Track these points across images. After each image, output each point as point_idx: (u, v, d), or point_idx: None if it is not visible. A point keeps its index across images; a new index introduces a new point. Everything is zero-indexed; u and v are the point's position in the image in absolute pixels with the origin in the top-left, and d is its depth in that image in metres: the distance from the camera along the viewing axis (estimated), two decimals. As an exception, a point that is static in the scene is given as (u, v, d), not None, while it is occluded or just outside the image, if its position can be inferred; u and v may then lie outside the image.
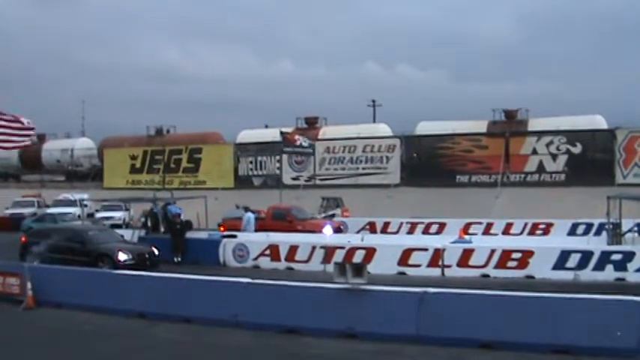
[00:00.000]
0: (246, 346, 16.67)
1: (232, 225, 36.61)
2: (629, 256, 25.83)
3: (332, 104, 74.87)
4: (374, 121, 71.47)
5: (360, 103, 77.21)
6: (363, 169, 56.38)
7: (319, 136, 58.73)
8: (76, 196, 52.50)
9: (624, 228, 30.37)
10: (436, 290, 16.99)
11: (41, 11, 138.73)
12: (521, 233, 37.95)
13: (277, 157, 57.77)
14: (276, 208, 39.97)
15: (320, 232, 32.68)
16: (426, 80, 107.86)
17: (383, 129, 60.17)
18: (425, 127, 56.72)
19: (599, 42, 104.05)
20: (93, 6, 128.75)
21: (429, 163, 54.59)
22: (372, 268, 21.84)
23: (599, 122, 53.28)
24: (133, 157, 67.13)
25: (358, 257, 27.68)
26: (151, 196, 39.01)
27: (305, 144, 46.30)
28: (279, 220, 38.03)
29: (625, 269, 25.63)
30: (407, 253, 28.12)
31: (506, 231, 38.18)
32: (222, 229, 36.02)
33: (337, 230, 35.43)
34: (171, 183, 61.67)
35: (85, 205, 44.08)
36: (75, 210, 48.52)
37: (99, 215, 49.04)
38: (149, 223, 36.11)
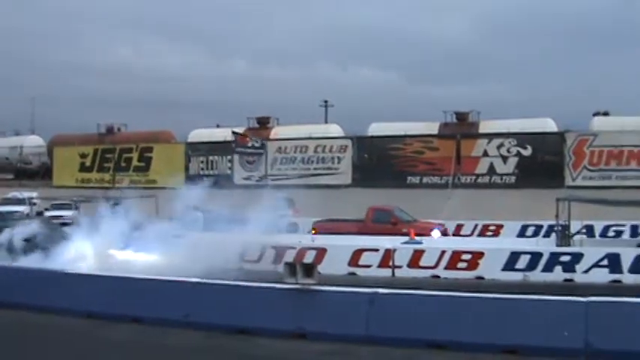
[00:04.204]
0: (197, 346, 16.54)
1: None
2: (577, 257, 26.14)
3: (285, 104, 74.96)
4: (326, 122, 71.53)
5: (312, 104, 77.05)
6: (315, 169, 56.47)
7: (271, 136, 58.79)
8: (25, 194, 51.85)
9: (573, 230, 30.66)
10: (386, 291, 17.00)
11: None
12: (472, 234, 38.24)
13: (229, 157, 57.69)
14: (377, 210, 38.18)
15: (428, 235, 33.09)
16: (380, 81, 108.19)
17: (335, 129, 60.32)
18: (377, 128, 56.93)
19: (551, 45, 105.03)
20: (43, 2, 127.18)
21: (380, 164, 54.78)
22: (322, 268, 21.84)
23: (550, 125, 53.92)
24: (83, 156, 66.58)
25: (309, 257, 27.63)
26: (100, 195, 38.58)
27: (256, 144, 46.22)
28: (381, 223, 36.25)
29: (573, 270, 25.93)
30: (357, 254, 28.11)
31: (456, 232, 38.45)
32: None
33: None
34: (122, 182, 61.24)
35: (34, 204, 43.56)
36: (23, 208, 47.90)
37: (48, 214, 48.49)
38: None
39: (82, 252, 25.29)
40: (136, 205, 31.22)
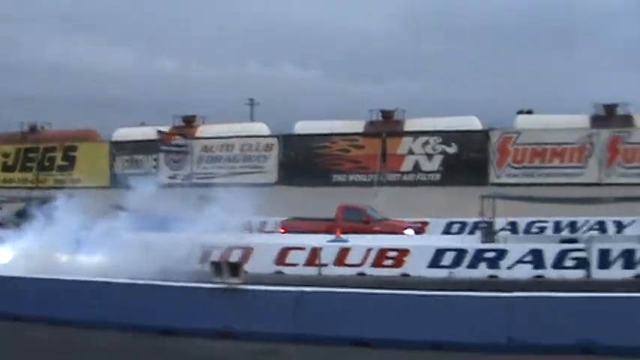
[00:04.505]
0: (122, 347, 16.38)
1: None
2: (501, 254, 26.61)
3: (211, 103, 74.06)
4: (252, 120, 71.26)
5: (239, 102, 76.29)
6: (241, 167, 56.20)
7: (196, 135, 58.33)
8: (-55, 196, 50.69)
9: (497, 227, 31.10)
10: (313, 289, 17.06)
11: None
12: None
13: (154, 156, 57.20)
14: (348, 208, 37.80)
15: (401, 233, 33.11)
16: (307, 79, 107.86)
17: (261, 128, 60.04)
18: (303, 127, 56.82)
19: (476, 44, 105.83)
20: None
21: (306, 163, 54.72)
22: (249, 267, 21.79)
23: (474, 123, 54.37)
24: (5, 155, 65.24)
25: (235, 256, 27.54)
26: (24, 195, 37.95)
27: (181, 142, 45.86)
28: (353, 222, 35.86)
29: (498, 267, 26.36)
30: (284, 252, 28.16)
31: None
32: None
33: None
34: (46, 182, 60.30)
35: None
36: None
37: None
38: (21, 223, 35.03)
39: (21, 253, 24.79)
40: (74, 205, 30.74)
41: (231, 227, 27.57)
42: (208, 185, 48.76)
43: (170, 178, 56.27)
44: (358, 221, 35.80)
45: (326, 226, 34.83)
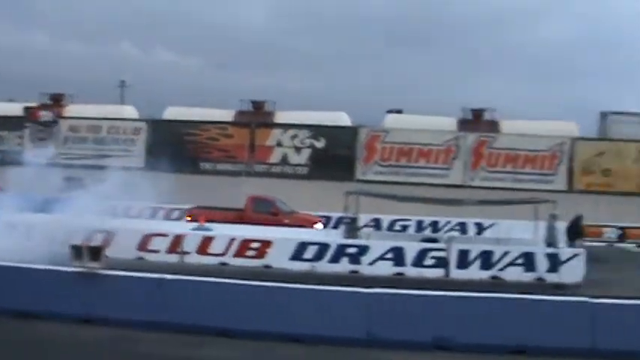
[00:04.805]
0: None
1: None
2: (363, 249, 26.87)
3: (83, 82, 72.31)
4: (122, 103, 70.08)
5: (111, 84, 74.98)
6: (109, 150, 55.20)
7: (64, 114, 57.01)
8: None
9: (361, 223, 31.46)
10: (173, 276, 16.92)
11: None
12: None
13: (19, 133, 55.70)
14: (258, 199, 37.29)
15: (311, 227, 32.90)
16: (183, 66, 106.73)
17: (130, 111, 59.13)
18: (173, 112, 56.22)
19: (352, 42, 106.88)
20: None
21: (174, 149, 54.13)
22: (111, 252, 21.41)
23: (344, 119, 54.95)
24: None
25: (97, 240, 26.97)
26: None
27: (49, 120, 44.74)
28: (262, 213, 35.43)
29: (359, 262, 26.63)
30: (147, 238, 27.80)
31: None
32: None
33: None
34: None
35: None
36: None
37: None
38: None
39: None
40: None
41: (95, 210, 27.07)
42: (73, 166, 47.84)
43: (34, 157, 54.83)
44: (267, 213, 35.65)
45: (235, 216, 34.72)
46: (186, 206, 38.54)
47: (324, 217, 38.77)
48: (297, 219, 34.65)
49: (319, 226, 34.50)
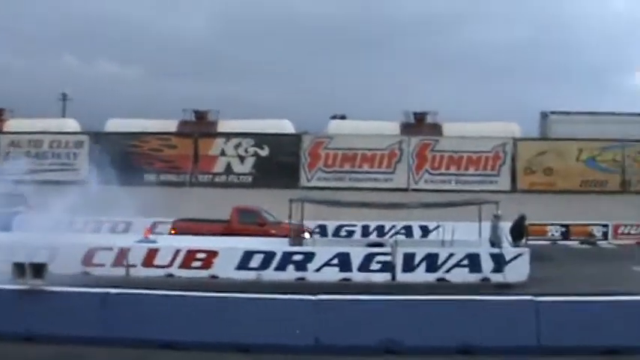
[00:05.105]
0: None
1: None
2: (309, 256, 26.98)
3: (23, 96, 71.38)
4: (64, 116, 69.39)
5: (52, 97, 74.07)
6: (50, 165, 54.62)
7: (4, 129, 56.33)
8: None
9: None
10: (118, 290, 16.77)
11: None
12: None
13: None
14: (243, 210, 36.72)
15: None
16: (124, 77, 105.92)
17: (71, 125, 58.60)
18: (115, 125, 55.82)
19: (292, 48, 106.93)
20: None
21: (117, 161, 53.76)
22: (54, 268, 21.16)
23: (287, 126, 55.08)
24: None
25: (40, 257, 26.63)
26: None
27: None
28: (248, 224, 34.94)
29: (305, 269, 26.69)
30: (91, 252, 27.56)
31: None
32: None
33: None
34: None
35: None
36: None
37: None
38: None
39: None
40: None
41: (38, 226, 26.81)
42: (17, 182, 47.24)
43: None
44: (253, 223, 35.26)
45: (221, 228, 34.31)
46: (129, 219, 38.26)
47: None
48: (285, 229, 33.76)
49: (306, 235, 34.39)
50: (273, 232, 34.09)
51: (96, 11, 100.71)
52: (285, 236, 31.73)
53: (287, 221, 34.70)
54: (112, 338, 15.75)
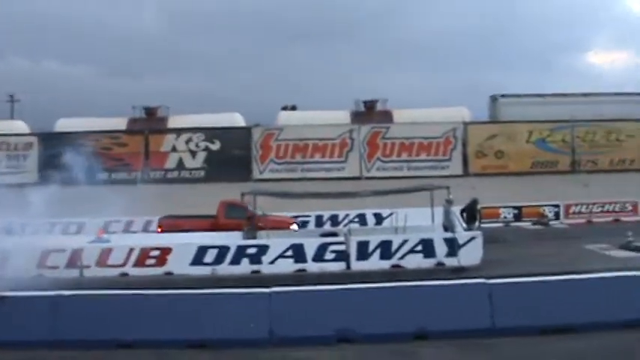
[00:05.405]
0: None
1: None
2: (263, 249, 26.97)
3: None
4: (12, 118, 68.69)
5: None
6: (-1, 167, 54.13)
7: (-48, 133, 55.75)
8: None
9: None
10: (70, 292, 16.63)
11: None
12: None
13: None
14: (230, 204, 35.13)
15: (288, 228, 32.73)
16: (74, 76, 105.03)
17: (20, 126, 58.10)
18: (65, 124, 55.50)
19: (243, 40, 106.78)
20: None
21: (68, 161, 53.29)
22: (6, 271, 21.05)
23: (237, 120, 55.18)
24: None
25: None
26: None
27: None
28: (236, 219, 33.12)
29: (260, 262, 26.69)
30: (45, 255, 27.30)
31: (146, 228, 38.30)
32: None
33: None
34: None
35: None
36: None
37: None
38: None
39: None
40: None
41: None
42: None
43: None
44: (242, 218, 33.72)
45: (207, 224, 33.74)
46: (80, 219, 37.94)
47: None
48: (272, 221, 33.59)
49: (294, 226, 34.13)
50: (261, 225, 33.55)
51: (41, 10, 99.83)
52: (272, 229, 31.80)
53: (274, 214, 35.09)
54: (67, 341, 15.62)
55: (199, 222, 34.38)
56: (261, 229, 31.47)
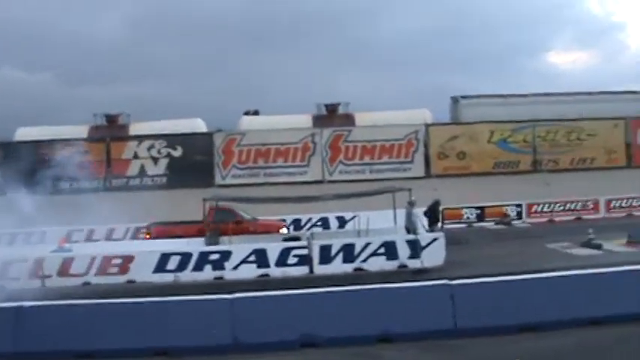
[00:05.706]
0: None
1: None
2: (226, 255, 26.94)
3: None
4: (-29, 128, 68.13)
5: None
6: (-42, 178, 53.52)
7: None
8: None
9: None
10: (32, 303, 16.51)
11: None
12: (124, 238, 38.03)
13: None
14: (218, 209, 33.79)
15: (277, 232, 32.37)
16: (33, 84, 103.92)
17: (-21, 136, 57.56)
18: (24, 134, 54.98)
19: (205, 45, 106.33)
20: None
21: (29, 171, 52.90)
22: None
23: (199, 125, 55.02)
24: None
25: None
26: None
27: None
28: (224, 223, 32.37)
29: (223, 268, 26.65)
30: (6, 266, 27.01)
31: (109, 236, 38.11)
32: None
33: None
34: None
35: None
36: None
37: None
38: None
39: None
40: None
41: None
42: None
43: None
44: (230, 222, 33.30)
45: (197, 229, 32.79)
46: (43, 228, 37.60)
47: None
48: (262, 226, 33.69)
49: (284, 230, 33.96)
50: (251, 229, 33.35)
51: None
52: (262, 233, 31.84)
53: (263, 218, 35.14)
54: (29, 352, 15.53)
55: (188, 228, 33.81)
56: (252, 233, 31.60)
